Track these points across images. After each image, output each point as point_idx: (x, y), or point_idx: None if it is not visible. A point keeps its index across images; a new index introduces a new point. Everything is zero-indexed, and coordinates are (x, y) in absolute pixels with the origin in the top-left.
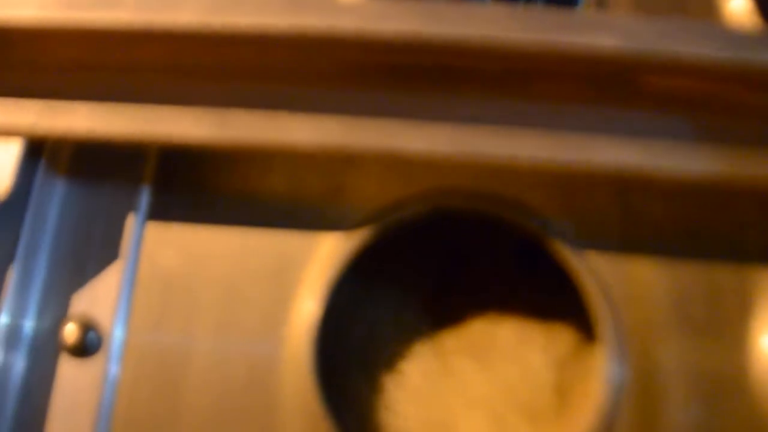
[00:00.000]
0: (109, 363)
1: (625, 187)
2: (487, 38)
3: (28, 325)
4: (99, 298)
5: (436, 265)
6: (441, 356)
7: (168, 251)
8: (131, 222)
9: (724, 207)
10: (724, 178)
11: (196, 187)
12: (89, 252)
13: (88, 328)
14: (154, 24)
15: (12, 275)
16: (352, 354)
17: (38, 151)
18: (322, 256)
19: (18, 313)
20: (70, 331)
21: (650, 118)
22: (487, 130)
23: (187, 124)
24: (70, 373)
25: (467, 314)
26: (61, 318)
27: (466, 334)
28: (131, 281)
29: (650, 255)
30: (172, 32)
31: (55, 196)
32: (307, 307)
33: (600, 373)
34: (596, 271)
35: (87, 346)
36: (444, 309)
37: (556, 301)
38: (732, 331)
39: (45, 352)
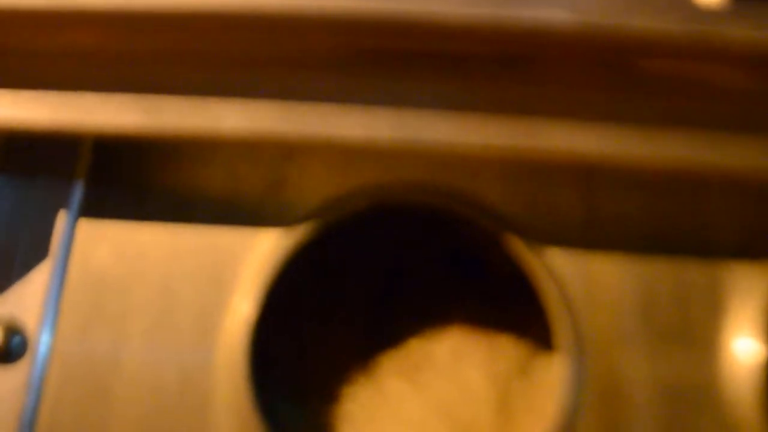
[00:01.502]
0: (35, 369)
1: (588, 181)
2: (427, 14)
3: None
4: (25, 299)
5: (372, 274)
6: (374, 379)
7: (100, 250)
8: (62, 219)
9: (692, 203)
10: (689, 164)
11: (131, 182)
12: (16, 250)
13: (12, 332)
14: (78, 5)
15: None
16: (283, 379)
17: None
18: (260, 253)
19: None
20: None
21: (609, 100)
22: (430, 115)
23: (113, 112)
24: None
25: (402, 330)
26: None
27: (400, 352)
28: (60, 282)
29: (614, 253)
30: (97, 14)
31: None
32: (242, 309)
33: (557, 383)
34: (555, 270)
35: (11, 351)
36: (377, 325)
37: (498, 313)
38: (700, 335)
39: None
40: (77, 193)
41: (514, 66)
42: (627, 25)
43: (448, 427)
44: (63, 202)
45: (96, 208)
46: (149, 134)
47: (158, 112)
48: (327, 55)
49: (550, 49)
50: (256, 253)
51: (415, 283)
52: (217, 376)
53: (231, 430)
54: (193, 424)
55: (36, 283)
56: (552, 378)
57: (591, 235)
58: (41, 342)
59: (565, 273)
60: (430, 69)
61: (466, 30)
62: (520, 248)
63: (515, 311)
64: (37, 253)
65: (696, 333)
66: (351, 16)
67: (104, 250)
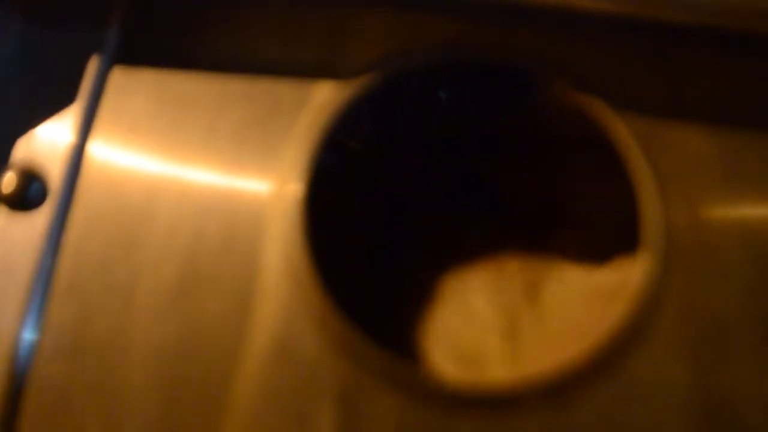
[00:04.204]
0: (55, 218)
1: (673, 54)
2: None
3: None
4: (48, 145)
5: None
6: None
7: (136, 97)
8: (94, 65)
9: None
10: None
11: (173, 29)
12: (42, 95)
13: (30, 178)
14: None
15: None
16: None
17: None
18: (315, 105)
19: None
20: (9, 181)
21: None
22: None
23: None
24: (7, 226)
25: (409, 257)
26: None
27: (407, 280)
28: (88, 128)
29: (700, 126)
30: None
31: (7, 30)
32: (294, 162)
33: (641, 259)
34: (640, 137)
35: (29, 199)
36: (386, 253)
37: (506, 240)
38: None
39: None
40: (112, 39)
41: None
42: None
43: (454, 357)
44: (96, 48)
45: (134, 55)
46: None
47: None
48: None
49: None
50: (311, 105)
51: (425, 210)
52: (266, 230)
53: (282, 289)
54: (237, 282)
55: (61, 128)
56: (562, 297)
57: (676, 109)
58: (63, 190)
59: (648, 141)
60: None
61: None
62: (604, 113)
63: (523, 237)
64: (63, 99)
65: None
66: None
67: (141, 98)
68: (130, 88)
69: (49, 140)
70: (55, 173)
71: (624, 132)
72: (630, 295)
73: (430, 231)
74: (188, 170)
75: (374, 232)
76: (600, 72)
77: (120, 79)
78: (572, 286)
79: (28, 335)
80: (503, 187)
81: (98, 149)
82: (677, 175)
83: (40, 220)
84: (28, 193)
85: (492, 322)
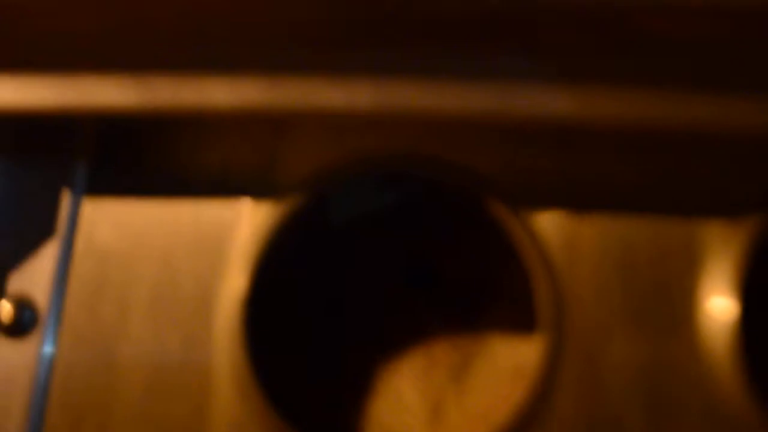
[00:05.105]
0: (45, 341)
1: (565, 143)
2: None
3: None
4: (35, 276)
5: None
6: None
7: (103, 226)
8: (67, 198)
9: (667, 162)
10: (661, 122)
11: (131, 160)
12: (24, 229)
13: (23, 306)
14: None
15: None
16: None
17: None
18: (253, 224)
19: None
20: (5, 310)
21: (581, 62)
22: (409, 81)
23: (111, 92)
24: (4, 352)
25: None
26: None
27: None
28: (67, 258)
29: (593, 214)
30: None
31: None
32: (236, 279)
33: (537, 346)
34: (537, 233)
35: (22, 325)
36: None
37: (440, 319)
38: (677, 294)
39: None
40: (80, 172)
41: (490, 32)
42: None
43: None
44: (67, 182)
45: (98, 186)
46: (142, 112)
47: (150, 88)
48: (307, 28)
49: (523, 13)
50: (249, 224)
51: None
52: (216, 343)
53: (230, 395)
54: (195, 391)
55: (44, 259)
56: (487, 376)
57: (570, 198)
58: (51, 315)
59: (546, 235)
60: (408, 36)
61: None
62: (501, 211)
63: (458, 312)
64: (44, 231)
65: (673, 291)
66: None
67: (107, 227)
68: (99, 218)
69: (36, 271)
70: (42, 301)
71: (520, 231)
72: (529, 373)
73: (368, 319)
74: (149, 290)
75: (316, 326)
76: (495, 169)
77: (89, 209)
78: (498, 363)
79: None
80: (441, 267)
81: (77, 277)
82: (573, 268)
83: (33, 342)
84: (21, 319)
85: (418, 408)
